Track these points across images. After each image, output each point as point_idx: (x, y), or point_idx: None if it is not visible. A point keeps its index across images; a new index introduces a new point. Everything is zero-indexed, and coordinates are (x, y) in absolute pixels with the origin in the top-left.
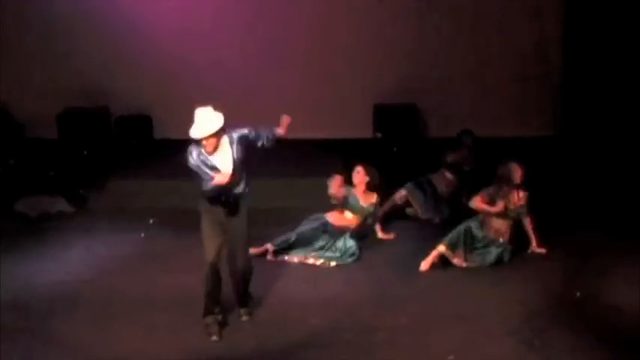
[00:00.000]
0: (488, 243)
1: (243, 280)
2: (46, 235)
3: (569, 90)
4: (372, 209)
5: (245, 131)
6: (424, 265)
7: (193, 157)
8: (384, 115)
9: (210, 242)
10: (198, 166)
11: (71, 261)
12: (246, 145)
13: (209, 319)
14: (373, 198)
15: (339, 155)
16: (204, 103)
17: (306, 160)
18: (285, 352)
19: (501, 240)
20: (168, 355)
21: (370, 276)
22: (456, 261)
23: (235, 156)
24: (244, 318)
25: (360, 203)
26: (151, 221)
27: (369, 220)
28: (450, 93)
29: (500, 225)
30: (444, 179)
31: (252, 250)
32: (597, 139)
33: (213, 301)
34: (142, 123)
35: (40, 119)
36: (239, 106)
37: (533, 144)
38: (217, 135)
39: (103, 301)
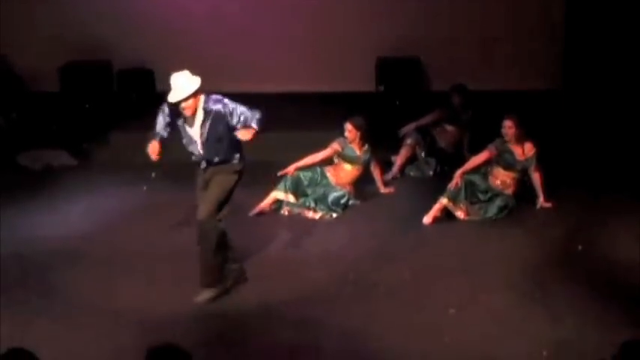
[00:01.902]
0: (492, 196)
1: (200, 240)
2: (48, 188)
3: (572, 44)
4: (367, 156)
5: (220, 108)
6: (427, 219)
7: (165, 111)
8: (387, 68)
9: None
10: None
11: (73, 214)
12: (224, 122)
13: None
14: (366, 145)
15: (342, 108)
16: (205, 57)
17: (308, 113)
18: (286, 307)
19: (506, 192)
20: (170, 307)
21: (372, 230)
22: (458, 214)
23: (205, 131)
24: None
25: (358, 154)
26: (153, 174)
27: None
28: (453, 47)
29: (506, 177)
30: (445, 132)
31: (257, 208)
32: (600, 94)
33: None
34: (143, 76)
35: (43, 73)
36: (241, 59)
37: (536, 98)
38: (194, 97)
39: (105, 254)
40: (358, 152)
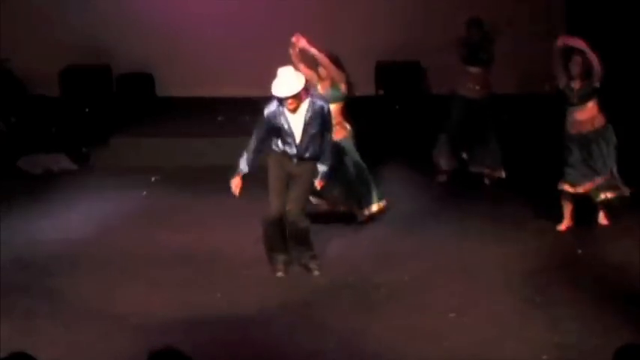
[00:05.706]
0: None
1: (294, 236)
2: (48, 193)
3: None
4: (343, 80)
5: (324, 105)
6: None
7: (270, 109)
8: (386, 72)
9: (274, 195)
10: (269, 121)
11: (73, 218)
12: (322, 120)
13: (277, 257)
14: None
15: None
16: (205, 61)
17: None
18: (286, 309)
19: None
20: (170, 311)
21: (372, 233)
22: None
23: (307, 121)
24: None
25: (342, 90)
26: (153, 179)
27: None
28: (453, 51)
29: (583, 114)
30: (468, 75)
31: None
32: (600, 100)
33: (278, 252)
34: (143, 81)
35: (42, 76)
36: (240, 64)
37: (536, 101)
38: (298, 96)
39: (105, 258)
40: (342, 89)
